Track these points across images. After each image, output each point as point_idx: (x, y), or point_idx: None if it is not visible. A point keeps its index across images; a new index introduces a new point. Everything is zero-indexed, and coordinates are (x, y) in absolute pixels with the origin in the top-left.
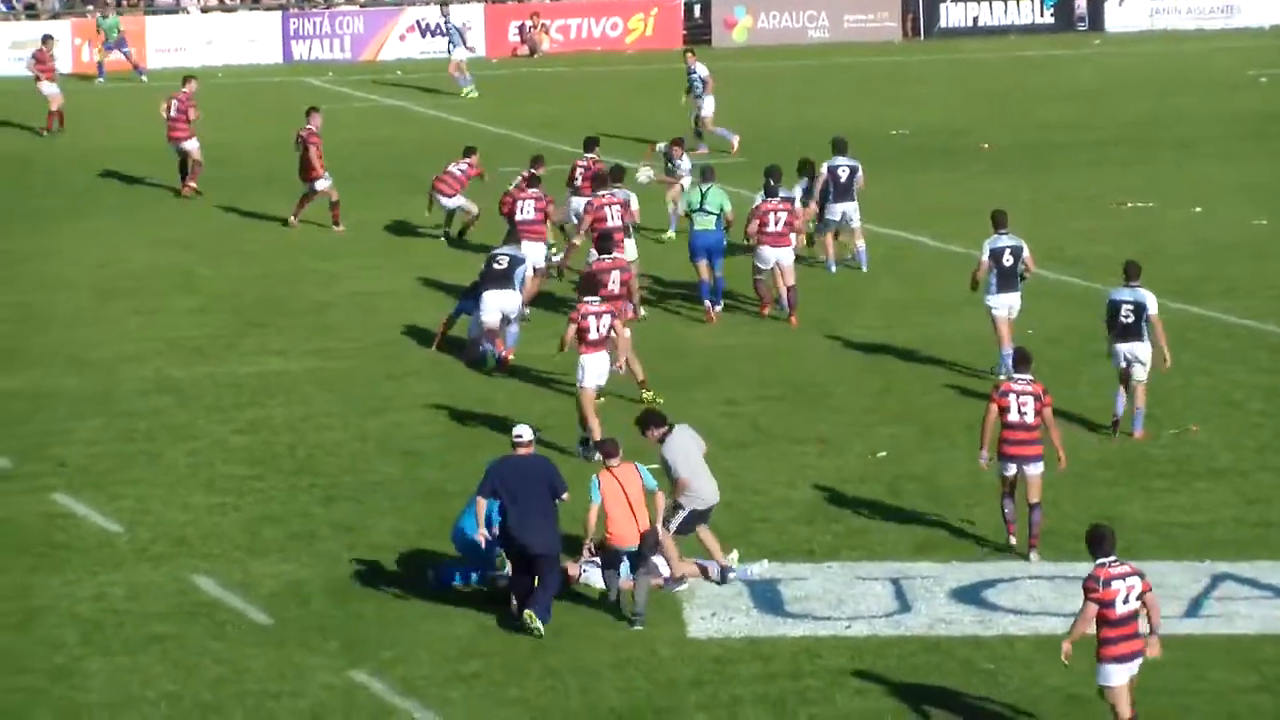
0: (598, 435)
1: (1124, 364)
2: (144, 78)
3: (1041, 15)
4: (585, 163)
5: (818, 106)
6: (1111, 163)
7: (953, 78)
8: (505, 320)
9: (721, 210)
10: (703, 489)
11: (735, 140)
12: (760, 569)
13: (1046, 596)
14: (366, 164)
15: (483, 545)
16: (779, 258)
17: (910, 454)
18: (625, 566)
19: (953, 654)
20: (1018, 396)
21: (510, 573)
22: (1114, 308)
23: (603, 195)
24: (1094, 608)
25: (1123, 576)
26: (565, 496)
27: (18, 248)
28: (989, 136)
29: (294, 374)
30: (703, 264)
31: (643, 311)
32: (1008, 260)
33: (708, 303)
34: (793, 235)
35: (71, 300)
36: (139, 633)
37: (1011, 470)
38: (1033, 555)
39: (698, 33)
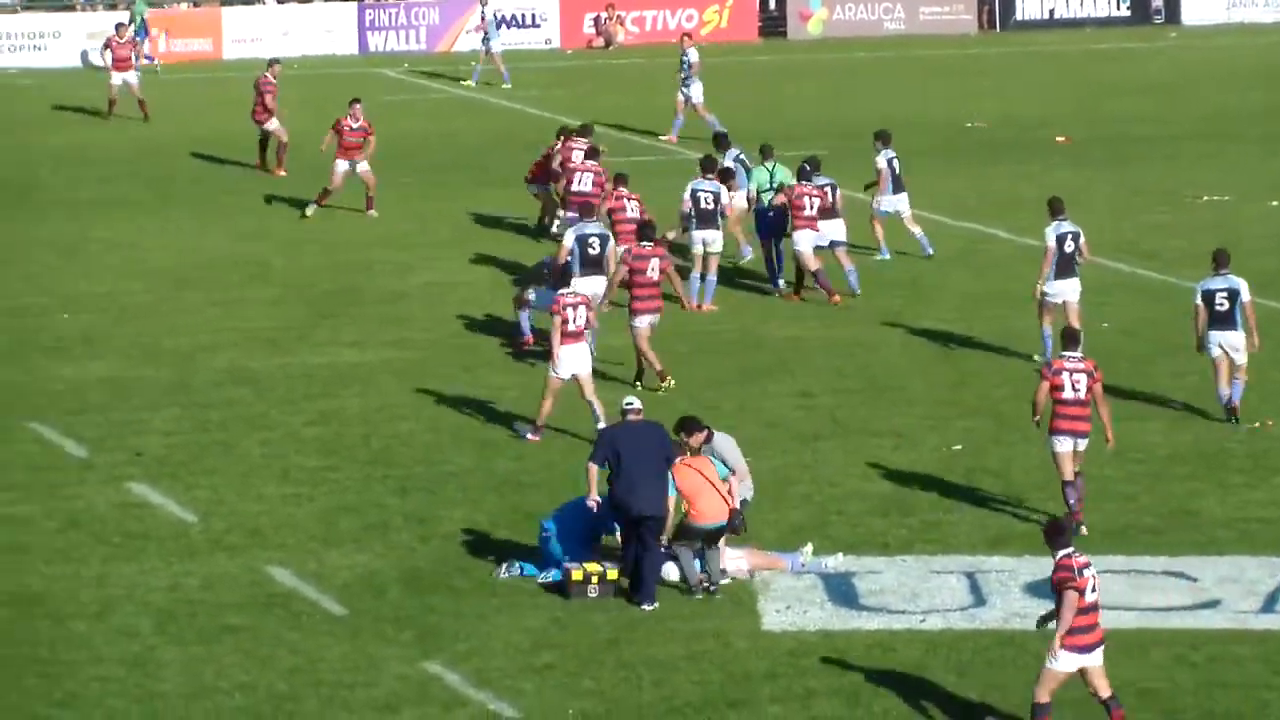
0: (541, 420)
1: (1219, 351)
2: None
3: (1118, 8)
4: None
5: (893, 99)
6: (1188, 156)
7: (1028, 70)
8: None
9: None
10: (749, 481)
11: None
12: (835, 562)
13: (1120, 590)
14: (440, 155)
15: (594, 508)
16: (814, 242)
17: (985, 447)
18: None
19: (1027, 648)
20: (1070, 374)
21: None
22: (1208, 297)
23: (621, 190)
24: (1075, 595)
25: (1087, 565)
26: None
27: (98, 237)
28: (1064, 129)
29: (368, 365)
30: (771, 242)
31: (704, 303)
32: (1069, 246)
33: (782, 283)
34: (833, 223)
35: (150, 290)
36: (213, 623)
37: (1067, 446)
38: (1081, 528)
39: (773, 25)
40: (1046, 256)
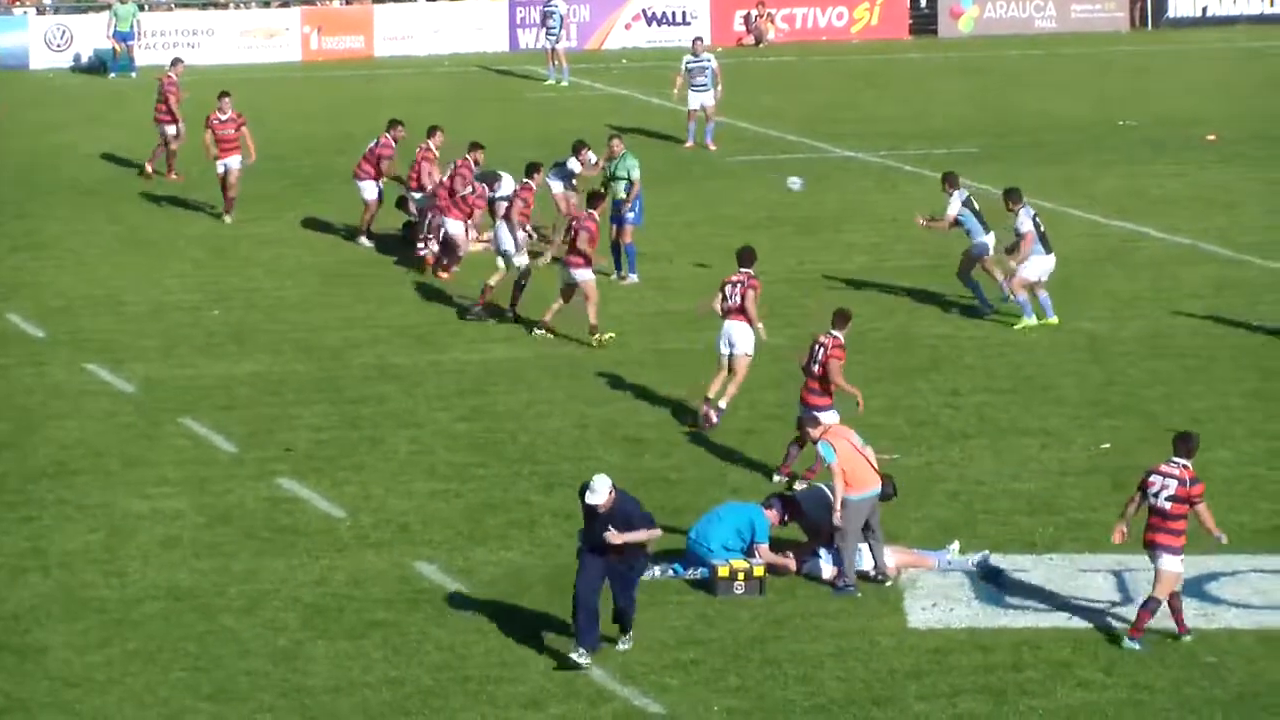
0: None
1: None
2: (133, 74)
3: (1271, 5)
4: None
5: (1044, 97)
6: None
7: (1180, 68)
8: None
9: (629, 178)
10: None
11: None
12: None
13: (1271, 589)
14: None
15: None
16: None
17: (1134, 446)
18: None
19: (1176, 646)
20: (817, 348)
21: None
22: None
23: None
24: None
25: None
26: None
27: (249, 234)
28: (1216, 128)
29: (517, 361)
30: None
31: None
32: (1041, 226)
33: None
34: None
35: (299, 286)
36: (360, 618)
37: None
38: (784, 478)
39: (924, 22)
40: (1026, 240)
